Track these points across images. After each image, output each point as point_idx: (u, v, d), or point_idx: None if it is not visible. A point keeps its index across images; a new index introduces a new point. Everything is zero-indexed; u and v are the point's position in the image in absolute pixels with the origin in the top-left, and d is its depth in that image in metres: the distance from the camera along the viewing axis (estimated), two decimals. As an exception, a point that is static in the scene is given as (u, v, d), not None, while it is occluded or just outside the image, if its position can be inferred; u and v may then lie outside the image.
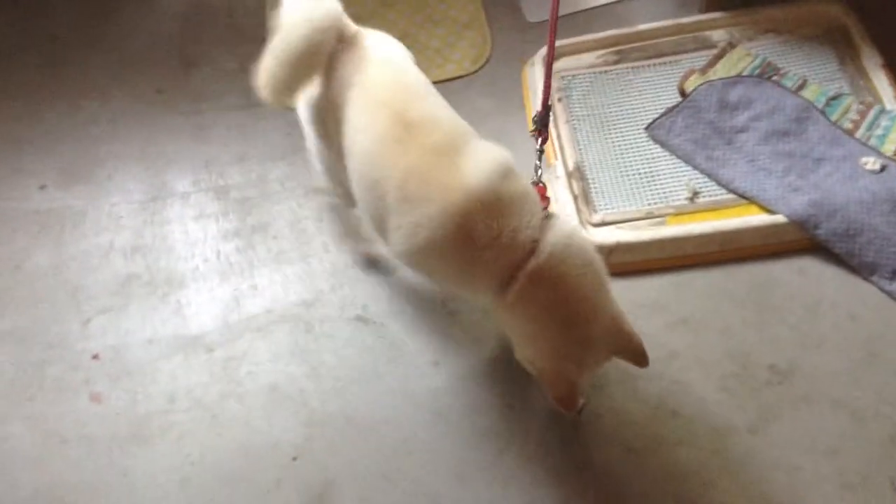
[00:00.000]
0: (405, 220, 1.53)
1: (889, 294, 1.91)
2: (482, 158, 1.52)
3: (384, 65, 1.65)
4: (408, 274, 2.15)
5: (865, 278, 1.95)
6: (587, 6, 2.63)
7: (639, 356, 1.52)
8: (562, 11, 2.62)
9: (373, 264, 2.20)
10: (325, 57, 1.65)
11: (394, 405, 1.94)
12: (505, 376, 1.95)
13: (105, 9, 3.00)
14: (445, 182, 1.49)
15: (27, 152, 2.60)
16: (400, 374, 2.00)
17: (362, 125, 1.59)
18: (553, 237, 1.49)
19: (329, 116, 1.69)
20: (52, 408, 2.05)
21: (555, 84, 2.39)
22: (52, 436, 2.00)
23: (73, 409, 2.04)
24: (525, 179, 1.58)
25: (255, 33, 2.82)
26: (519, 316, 1.52)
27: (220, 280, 2.24)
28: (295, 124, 2.53)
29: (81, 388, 2.08)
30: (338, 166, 1.76)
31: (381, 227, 1.63)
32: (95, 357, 2.13)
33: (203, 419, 1.98)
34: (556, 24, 1.83)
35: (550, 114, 1.82)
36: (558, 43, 2.46)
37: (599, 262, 1.54)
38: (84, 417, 2.02)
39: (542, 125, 1.76)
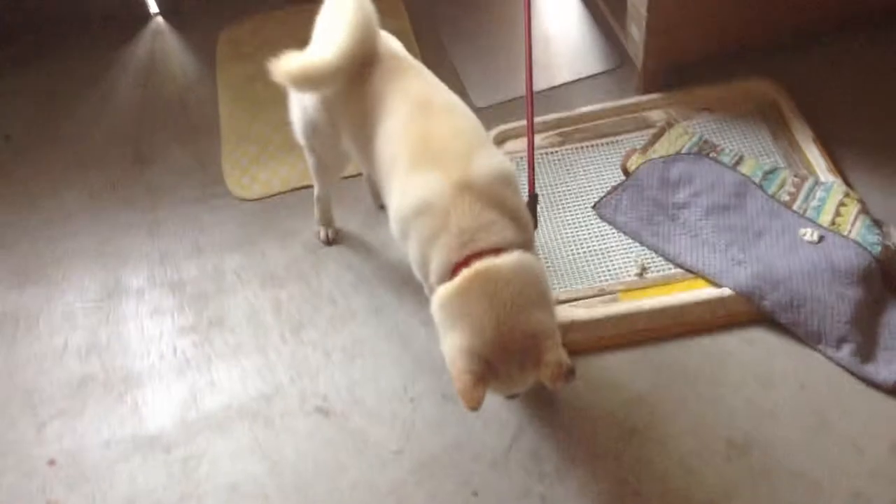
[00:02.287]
0: (408, 181, 1.67)
1: (836, 362, 1.96)
2: (494, 158, 1.69)
3: (405, 62, 1.87)
4: (367, 360, 2.17)
5: (813, 347, 2.00)
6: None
7: (550, 378, 1.52)
8: (504, 97, 2.72)
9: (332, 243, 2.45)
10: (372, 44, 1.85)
11: (357, 499, 1.92)
12: (468, 462, 1.94)
13: (61, 107, 3.04)
14: (454, 161, 1.64)
15: (-21, 255, 2.60)
16: (363, 465, 1.98)
17: (390, 111, 1.76)
18: (514, 254, 1.58)
19: (345, 110, 1.89)
20: (7, 519, 2.01)
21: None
22: (8, 548, 1.96)
23: (28, 519, 1.99)
24: (522, 199, 1.72)
25: (208, 127, 2.88)
26: (448, 308, 1.57)
27: (177, 377, 2.22)
28: (250, 214, 2.58)
29: (38, 495, 2.03)
30: (336, 147, 2.04)
31: (388, 192, 1.77)
32: (52, 463, 2.09)
33: (163, 523, 1.95)
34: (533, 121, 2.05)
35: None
36: (504, 126, 2.55)
37: (546, 290, 1.62)
38: (40, 527, 1.98)
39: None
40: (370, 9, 1.82)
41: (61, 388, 2.24)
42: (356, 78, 1.83)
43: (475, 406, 1.50)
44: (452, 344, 1.56)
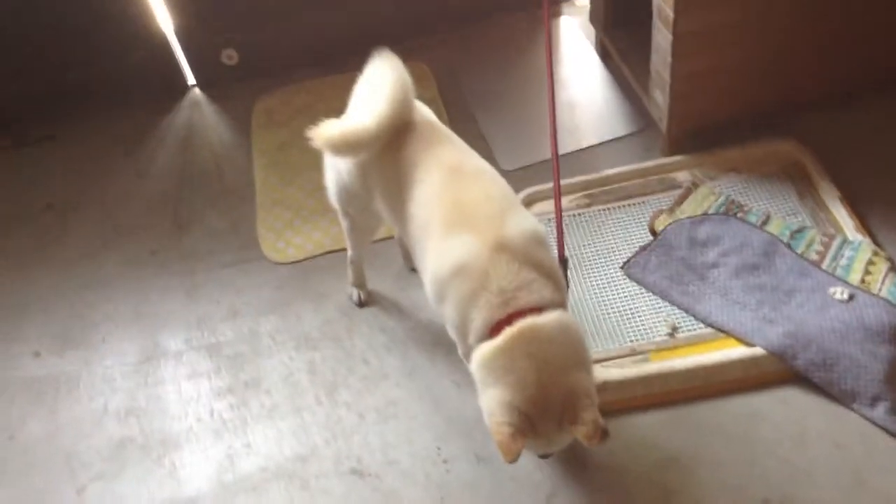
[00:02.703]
0: (443, 244, 1.72)
1: (871, 420, 1.95)
2: (526, 220, 1.76)
3: (437, 130, 1.95)
4: (401, 422, 2.19)
5: (847, 406, 1.99)
6: (557, 154, 2.78)
7: (586, 437, 1.55)
8: (531, 160, 2.78)
9: (365, 305, 2.51)
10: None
11: (392, 561, 1.93)
12: (502, 524, 1.95)
13: (101, 175, 3.15)
14: (487, 223, 1.70)
15: (22, 320, 2.67)
16: (397, 528, 1.99)
17: (423, 177, 1.83)
18: (555, 313, 1.63)
19: (379, 175, 1.95)
20: (46, 583, 2.02)
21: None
22: None
23: (67, 584, 2.01)
24: (555, 259, 1.77)
25: (243, 193, 2.96)
26: (490, 365, 1.61)
27: (214, 439, 2.25)
28: (284, 277, 2.64)
29: (76, 559, 2.06)
30: (369, 211, 2.09)
31: (422, 255, 1.82)
32: (91, 526, 2.12)
33: (200, 587, 1.96)
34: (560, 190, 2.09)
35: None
36: (531, 189, 2.61)
37: (584, 351, 1.67)
38: (78, 591, 2.00)
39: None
40: (408, 80, 1.90)
41: (100, 451, 2.27)
42: (391, 144, 1.90)
43: (513, 458, 1.53)
44: (492, 397, 1.60)
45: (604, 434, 1.55)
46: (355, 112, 1.98)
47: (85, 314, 2.66)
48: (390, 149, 1.90)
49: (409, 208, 1.86)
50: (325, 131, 1.86)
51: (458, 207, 1.75)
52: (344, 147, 1.89)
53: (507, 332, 1.60)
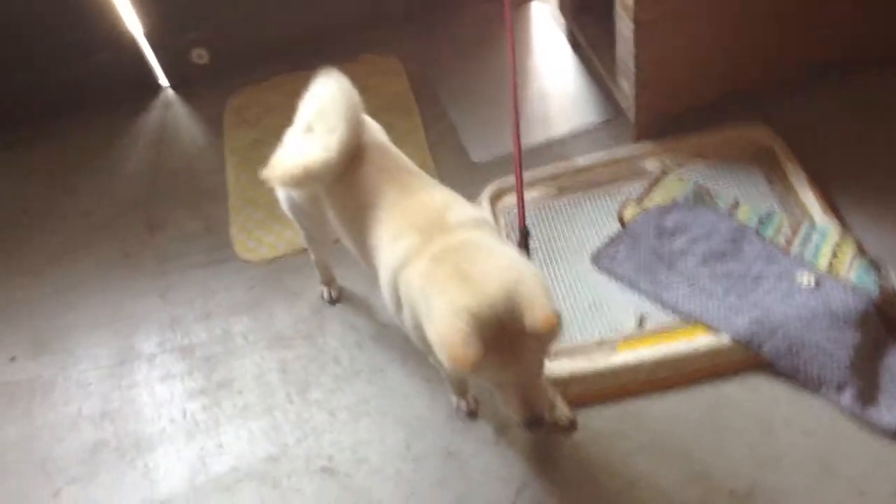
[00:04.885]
0: (390, 251, 1.72)
1: (838, 407, 1.95)
2: (469, 210, 1.77)
3: (387, 155, 1.91)
4: (372, 419, 2.19)
5: (814, 393, 1.99)
6: (525, 145, 2.75)
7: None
8: (501, 151, 2.76)
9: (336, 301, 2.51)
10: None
11: (362, 559, 1.94)
12: (472, 519, 1.95)
13: (74, 178, 3.14)
14: (429, 221, 1.70)
15: (-3, 325, 2.67)
16: (367, 525, 2.00)
17: (375, 204, 1.81)
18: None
19: (332, 199, 1.93)
20: (21, 589, 2.03)
21: (502, 220, 2.50)
22: None
23: (41, 589, 2.02)
24: (501, 240, 1.75)
25: (216, 193, 2.95)
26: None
27: (187, 440, 2.26)
28: (256, 277, 2.63)
29: (50, 564, 2.07)
30: (323, 224, 2.06)
31: (379, 271, 1.81)
32: (65, 530, 2.12)
33: (172, 589, 1.97)
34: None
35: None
36: (501, 180, 2.60)
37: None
38: None
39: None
40: (358, 101, 1.86)
41: (75, 454, 2.28)
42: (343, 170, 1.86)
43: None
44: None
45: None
46: (305, 136, 1.92)
47: (60, 318, 2.67)
48: (342, 174, 1.86)
49: (363, 234, 1.84)
50: (283, 168, 1.84)
51: (403, 218, 1.75)
52: (307, 181, 1.85)
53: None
